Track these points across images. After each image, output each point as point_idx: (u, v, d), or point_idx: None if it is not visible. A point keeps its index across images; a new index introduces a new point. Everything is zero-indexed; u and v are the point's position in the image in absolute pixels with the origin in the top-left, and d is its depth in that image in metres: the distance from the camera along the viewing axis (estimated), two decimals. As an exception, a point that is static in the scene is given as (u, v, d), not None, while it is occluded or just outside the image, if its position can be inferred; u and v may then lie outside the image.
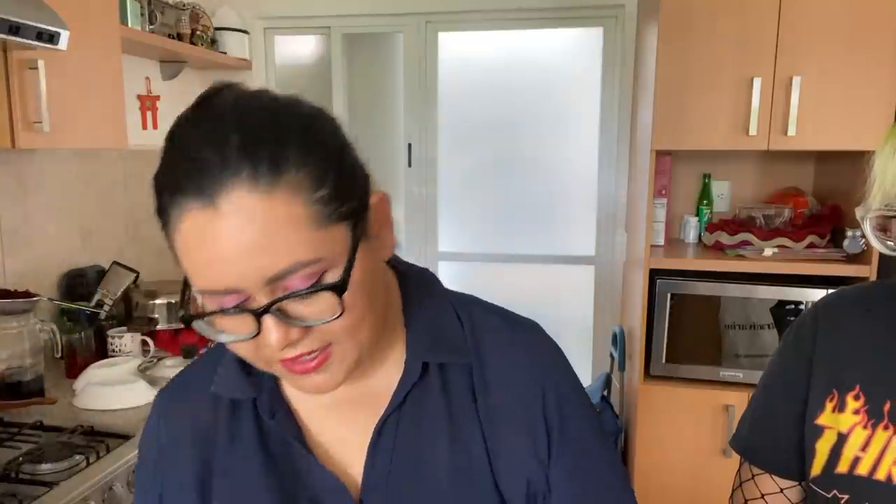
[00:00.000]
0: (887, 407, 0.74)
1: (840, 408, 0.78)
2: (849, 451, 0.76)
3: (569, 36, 2.88)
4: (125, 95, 1.99)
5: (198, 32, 2.62)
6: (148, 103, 2.61)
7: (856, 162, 2.13)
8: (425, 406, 0.66)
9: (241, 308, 0.54)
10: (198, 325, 0.57)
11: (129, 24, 2.19)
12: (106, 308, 2.12)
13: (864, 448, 0.75)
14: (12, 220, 2.01)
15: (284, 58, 3.09)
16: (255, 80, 2.97)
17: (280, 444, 0.67)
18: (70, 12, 1.55)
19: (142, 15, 2.30)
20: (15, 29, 1.39)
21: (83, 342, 1.99)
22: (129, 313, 2.26)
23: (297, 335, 0.55)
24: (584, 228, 2.93)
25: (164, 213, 0.55)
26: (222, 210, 0.51)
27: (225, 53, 2.79)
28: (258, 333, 0.55)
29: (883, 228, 0.71)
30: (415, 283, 0.71)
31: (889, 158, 0.69)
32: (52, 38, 1.49)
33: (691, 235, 2.53)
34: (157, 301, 2.27)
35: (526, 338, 0.71)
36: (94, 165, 2.34)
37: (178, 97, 2.80)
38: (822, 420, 0.80)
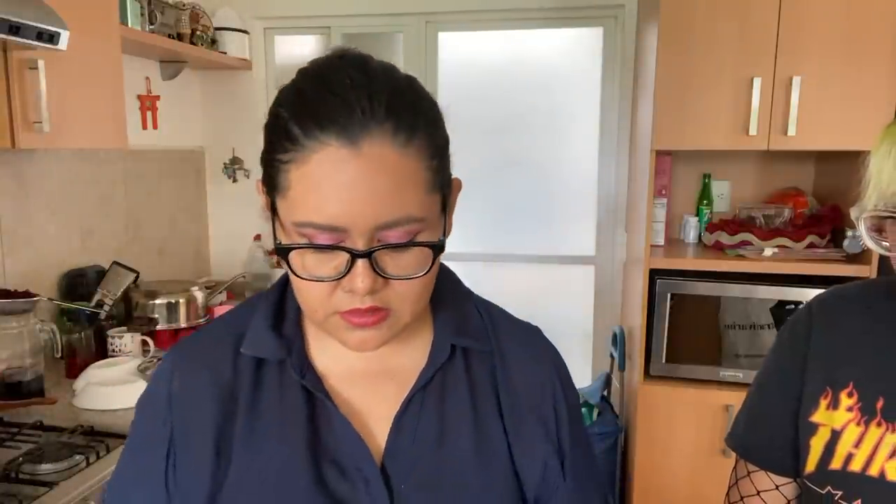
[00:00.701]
0: (880, 404, 0.75)
1: (834, 405, 0.78)
2: (842, 448, 0.76)
3: (569, 36, 2.88)
4: (125, 95, 1.99)
5: (198, 32, 2.62)
6: (148, 103, 2.61)
7: (856, 162, 2.12)
8: (449, 388, 0.70)
9: (342, 247, 0.58)
10: (291, 255, 0.60)
11: (129, 24, 2.19)
12: (106, 308, 2.12)
13: (858, 445, 0.75)
14: (12, 220, 2.01)
15: (284, 58, 3.09)
16: (255, 80, 2.98)
17: (305, 406, 0.68)
18: (70, 12, 1.55)
19: (142, 15, 2.30)
20: (15, 29, 1.39)
21: (83, 342, 1.99)
22: (129, 313, 2.26)
23: (380, 286, 0.60)
24: (584, 228, 2.93)
25: (290, 139, 0.58)
26: (363, 152, 0.56)
27: (225, 53, 2.79)
28: (344, 276, 0.59)
29: (878, 229, 0.71)
30: (441, 275, 0.73)
31: (884, 158, 0.69)
32: (52, 38, 1.49)
33: (691, 235, 2.53)
34: (157, 301, 2.28)
35: (538, 338, 0.78)
36: (94, 165, 2.34)
37: (178, 97, 2.80)
38: (816, 417, 0.80)
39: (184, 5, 2.61)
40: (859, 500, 0.75)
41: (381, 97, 0.57)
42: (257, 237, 3.02)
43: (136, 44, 2.25)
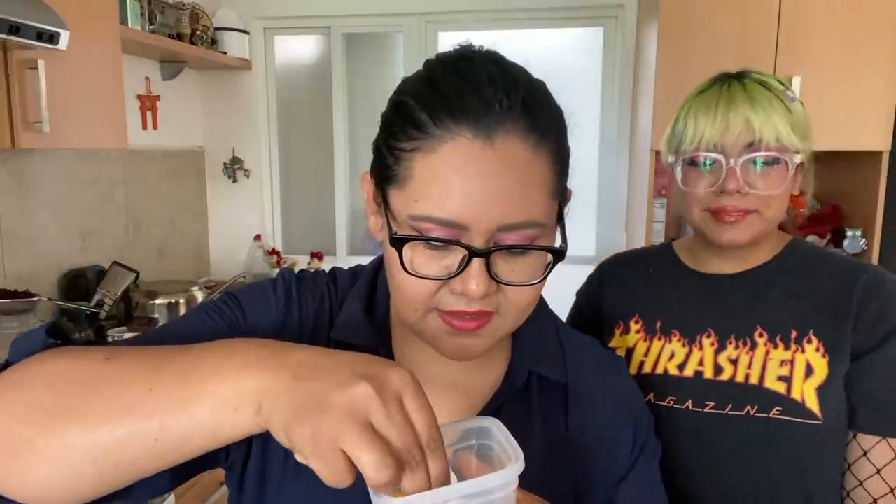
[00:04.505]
0: (658, 325, 0.99)
1: (625, 331, 1.02)
2: (636, 358, 0.98)
3: (569, 36, 2.88)
4: (125, 95, 1.99)
5: (198, 32, 2.62)
6: (148, 103, 2.61)
7: (856, 162, 2.13)
8: (519, 416, 0.66)
9: (461, 243, 0.54)
10: (404, 249, 0.56)
11: (129, 24, 2.19)
12: (106, 308, 2.12)
13: (646, 354, 0.98)
14: (12, 220, 2.01)
15: (284, 58, 3.09)
16: (255, 80, 2.98)
17: None
18: (70, 12, 1.55)
19: (142, 15, 2.30)
20: (15, 29, 1.40)
21: (83, 342, 1.99)
22: (129, 313, 2.26)
23: (493, 289, 0.56)
24: (584, 228, 2.93)
25: (417, 127, 0.55)
26: (496, 147, 0.54)
27: (225, 53, 2.79)
28: (454, 276, 0.56)
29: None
30: None
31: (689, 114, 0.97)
32: (52, 38, 1.49)
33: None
34: (157, 301, 2.27)
35: (621, 372, 0.76)
36: (94, 165, 2.35)
37: (178, 97, 2.81)
38: (613, 343, 1.02)
39: (184, 5, 2.61)
40: (657, 396, 0.94)
41: (517, 94, 0.55)
42: (257, 237, 3.02)
43: (136, 44, 2.25)
